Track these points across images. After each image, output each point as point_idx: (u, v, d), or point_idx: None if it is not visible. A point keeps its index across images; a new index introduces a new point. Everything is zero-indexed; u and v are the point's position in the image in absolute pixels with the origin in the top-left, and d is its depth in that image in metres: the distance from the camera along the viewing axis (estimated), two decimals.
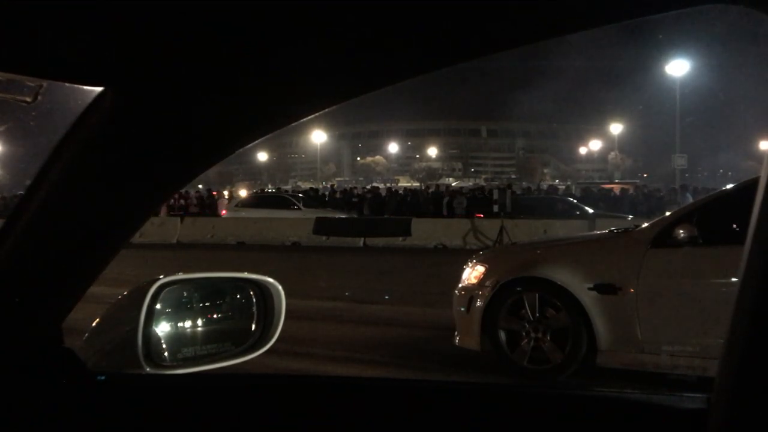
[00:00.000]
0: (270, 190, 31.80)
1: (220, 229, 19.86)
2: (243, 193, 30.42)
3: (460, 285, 5.52)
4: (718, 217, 4.74)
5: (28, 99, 0.92)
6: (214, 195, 25.67)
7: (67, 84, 0.88)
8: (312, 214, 20.55)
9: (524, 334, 5.13)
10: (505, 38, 0.76)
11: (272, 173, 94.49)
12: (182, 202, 22.73)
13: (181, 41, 0.82)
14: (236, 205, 23.47)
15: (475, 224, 17.56)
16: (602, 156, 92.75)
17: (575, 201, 21.20)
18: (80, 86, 0.88)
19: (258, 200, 24.55)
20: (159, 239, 17.56)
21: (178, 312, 1.36)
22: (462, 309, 5.38)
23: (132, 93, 0.89)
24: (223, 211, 23.18)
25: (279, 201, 23.43)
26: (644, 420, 0.95)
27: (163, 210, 19.17)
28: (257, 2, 0.76)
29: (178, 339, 1.34)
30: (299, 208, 21.72)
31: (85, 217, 1.00)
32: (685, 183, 22.84)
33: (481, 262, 5.57)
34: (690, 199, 16.76)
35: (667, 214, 5.48)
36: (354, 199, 23.23)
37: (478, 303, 5.25)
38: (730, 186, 6.07)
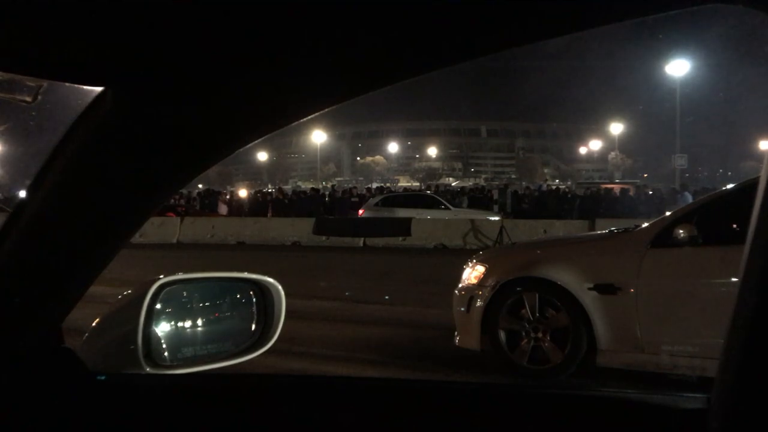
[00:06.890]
0: (270, 190, 31.55)
1: (220, 229, 19.78)
2: (243, 192, 30.04)
3: (460, 285, 5.52)
4: (718, 217, 4.74)
5: (28, 99, 0.92)
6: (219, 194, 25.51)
7: (67, 84, 0.88)
8: (463, 214, 18.76)
9: (524, 334, 5.13)
10: (506, 38, 0.76)
11: (272, 173, 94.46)
12: (182, 201, 22.55)
13: (182, 41, 0.82)
14: (376, 204, 21.00)
15: (475, 224, 17.55)
16: (602, 156, 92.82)
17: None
18: (80, 86, 0.88)
19: (401, 199, 22.28)
20: (159, 239, 17.54)
21: (178, 312, 1.36)
22: (462, 309, 5.38)
23: (132, 93, 0.89)
24: (361, 211, 20.60)
25: (425, 200, 21.53)
26: (644, 420, 0.95)
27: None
28: (257, 2, 0.76)
29: (178, 339, 1.34)
30: (447, 208, 20.03)
31: (85, 217, 1.00)
32: (685, 182, 22.82)
33: (481, 262, 5.57)
34: (690, 199, 16.74)
35: (667, 214, 5.48)
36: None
37: (478, 303, 5.25)
38: (730, 186, 6.06)
